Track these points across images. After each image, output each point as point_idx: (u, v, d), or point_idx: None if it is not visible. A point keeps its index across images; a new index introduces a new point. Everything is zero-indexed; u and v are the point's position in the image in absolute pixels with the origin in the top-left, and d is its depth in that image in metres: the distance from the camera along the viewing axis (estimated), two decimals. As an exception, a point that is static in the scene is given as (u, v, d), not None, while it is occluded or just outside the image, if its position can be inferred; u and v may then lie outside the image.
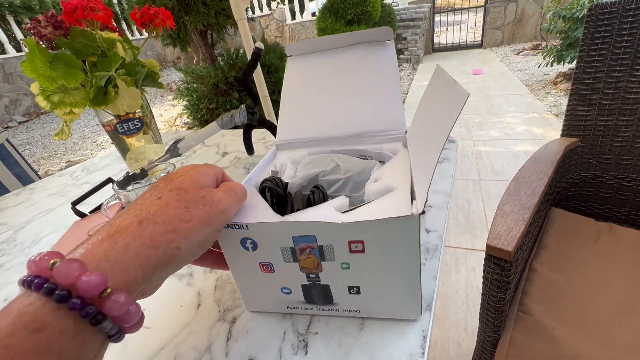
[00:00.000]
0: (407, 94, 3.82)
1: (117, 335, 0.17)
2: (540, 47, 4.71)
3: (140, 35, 6.86)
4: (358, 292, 0.27)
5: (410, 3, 6.06)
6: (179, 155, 0.59)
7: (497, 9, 5.29)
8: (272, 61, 1.79)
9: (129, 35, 6.40)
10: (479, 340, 0.61)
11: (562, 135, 0.85)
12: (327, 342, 0.26)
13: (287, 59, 0.43)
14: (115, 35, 0.50)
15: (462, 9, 5.72)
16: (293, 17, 6.85)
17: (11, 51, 5.27)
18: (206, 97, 1.74)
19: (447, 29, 5.93)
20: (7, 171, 1.10)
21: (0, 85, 5.15)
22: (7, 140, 1.12)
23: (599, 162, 0.82)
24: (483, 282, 0.55)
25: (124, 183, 0.49)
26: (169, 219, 0.20)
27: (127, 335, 0.27)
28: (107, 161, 0.85)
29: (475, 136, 2.50)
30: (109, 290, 0.16)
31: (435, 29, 5.83)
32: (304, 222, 0.23)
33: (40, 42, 0.44)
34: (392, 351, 0.25)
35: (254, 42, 1.91)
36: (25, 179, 1.12)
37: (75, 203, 0.51)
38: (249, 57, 1.29)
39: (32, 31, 0.44)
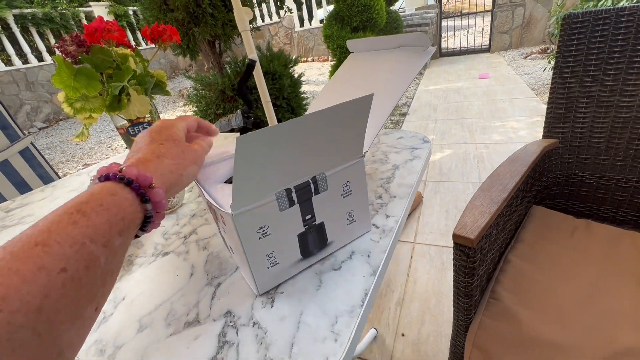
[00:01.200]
0: (412, 98, 3.86)
1: (148, 224, 0.26)
2: (548, 51, 4.69)
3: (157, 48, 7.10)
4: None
5: (417, 9, 6.12)
6: (182, 154, 0.66)
7: (504, 13, 5.29)
8: (277, 69, 1.88)
9: (143, 44, 6.66)
10: (454, 325, 0.66)
11: (543, 136, 0.89)
12: (289, 299, 0.32)
13: (350, 55, 0.52)
14: (128, 51, 0.58)
15: (469, 13, 5.75)
16: (302, 24, 6.99)
17: (33, 61, 5.55)
18: (214, 103, 1.83)
19: (454, 33, 5.96)
20: (32, 172, 1.20)
21: (22, 93, 5.43)
22: (31, 143, 1.23)
23: (579, 162, 0.86)
24: (453, 269, 0.60)
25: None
26: (175, 157, 0.30)
27: (134, 293, 0.34)
28: (120, 161, 0.94)
29: (478, 140, 2.52)
30: (153, 185, 0.26)
31: (443, 34, 5.87)
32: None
33: (67, 58, 0.52)
34: (338, 304, 0.31)
35: (259, 49, 2.01)
36: (47, 180, 1.22)
37: (92, 195, 0.59)
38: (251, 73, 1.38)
39: (59, 49, 0.53)
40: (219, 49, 1.87)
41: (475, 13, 5.66)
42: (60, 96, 0.52)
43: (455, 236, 0.55)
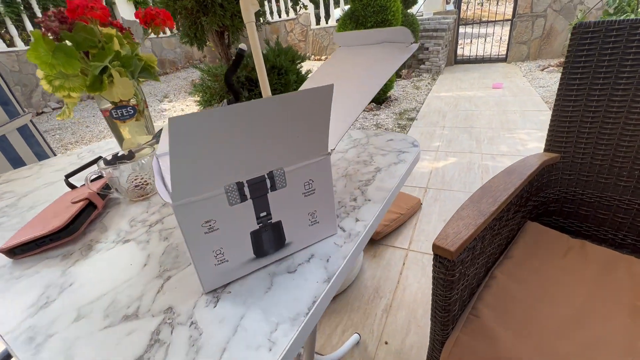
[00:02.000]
0: (422, 104, 3.81)
1: None
2: (566, 65, 4.57)
3: (155, 34, 7.17)
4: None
5: (435, 13, 6.04)
6: (165, 141, 0.65)
7: (524, 23, 5.19)
8: (283, 64, 1.86)
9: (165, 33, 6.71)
10: (430, 339, 0.63)
11: (545, 150, 0.85)
12: (235, 300, 0.30)
13: (337, 49, 0.50)
14: (113, 31, 0.57)
15: (488, 21, 5.65)
16: (318, 22, 6.97)
17: (52, 42, 5.63)
18: (218, 93, 1.83)
19: (471, 41, 5.87)
20: (28, 149, 1.21)
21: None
22: (30, 121, 1.23)
23: (579, 180, 0.82)
24: (432, 281, 0.57)
25: (112, 162, 0.55)
26: None
27: (83, 280, 0.32)
28: (111, 145, 0.93)
29: (485, 150, 2.47)
30: None
31: (460, 41, 5.78)
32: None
33: (48, 34, 0.51)
34: (283, 311, 0.29)
35: (267, 44, 1.99)
36: (43, 158, 1.22)
37: (68, 176, 0.58)
38: (254, 60, 1.36)
39: (41, 24, 0.52)
40: (227, 41, 1.87)
41: (495, 21, 5.56)
42: (40, 72, 0.51)
43: (435, 246, 0.52)
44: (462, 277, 0.56)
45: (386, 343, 1.13)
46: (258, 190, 0.30)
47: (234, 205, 0.29)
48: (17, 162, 1.17)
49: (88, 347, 0.28)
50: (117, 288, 0.34)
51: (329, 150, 0.33)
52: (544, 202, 0.86)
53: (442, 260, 0.53)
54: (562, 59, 4.89)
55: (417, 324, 1.19)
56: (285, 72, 1.88)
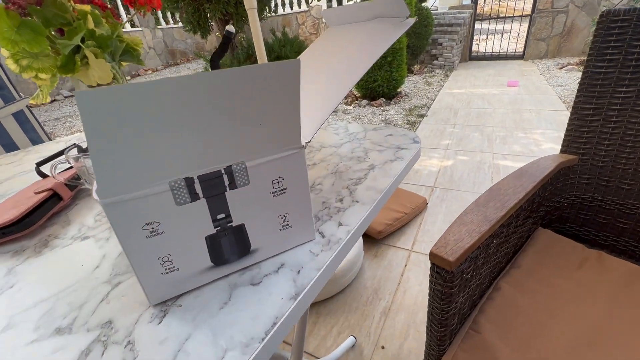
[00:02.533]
0: (433, 100, 3.70)
1: None
2: (586, 63, 4.38)
3: (141, 14, 7.17)
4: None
5: (450, 7, 5.86)
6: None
7: (544, 19, 4.99)
8: (289, 54, 1.80)
9: (163, 22, 6.69)
10: (425, 353, 0.58)
11: (561, 151, 0.78)
12: (184, 315, 0.26)
13: (326, 30, 0.44)
14: (88, 8, 0.52)
15: (505, 17, 5.46)
16: (329, 15, 6.85)
17: (65, 30, 5.69)
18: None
19: (487, 37, 5.68)
20: (23, 135, 1.18)
21: (52, 60, 5.58)
22: (27, 107, 1.21)
23: (599, 185, 0.75)
24: (429, 292, 0.52)
25: (86, 150, 0.51)
26: None
27: (25, 281, 0.28)
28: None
29: (496, 150, 2.37)
30: None
31: (475, 37, 5.61)
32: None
33: (12, 8, 0.47)
34: (236, 333, 0.24)
35: (273, 34, 1.93)
36: (37, 144, 1.20)
37: (39, 164, 0.54)
38: (255, 48, 1.31)
39: (8, -2, 0.47)
40: (231, 29, 1.81)
41: (512, 17, 5.36)
42: (4, 51, 0.47)
43: (432, 255, 0.47)
44: (462, 289, 0.51)
45: (383, 347, 1.09)
46: (213, 188, 0.25)
47: (182, 205, 0.25)
48: (11, 147, 1.15)
49: (4, 367, 0.23)
50: (59, 294, 0.30)
51: (303, 143, 0.28)
52: (557, 207, 0.79)
53: (439, 270, 0.47)
54: (583, 58, 4.70)
55: (416, 329, 1.13)
56: (290, 63, 1.82)
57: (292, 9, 7.13)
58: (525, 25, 5.21)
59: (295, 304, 0.26)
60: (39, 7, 0.48)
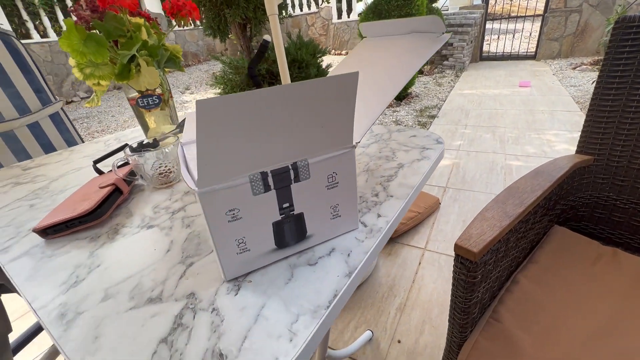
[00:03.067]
0: (444, 101, 3.71)
1: None
2: (600, 63, 4.33)
3: (179, 25, 7.29)
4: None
5: (461, 8, 5.85)
6: (188, 131, 0.66)
7: (557, 18, 4.94)
8: (304, 57, 1.85)
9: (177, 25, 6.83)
10: (447, 341, 0.62)
11: (577, 151, 0.81)
12: (256, 289, 0.31)
13: (362, 40, 0.49)
14: (141, 21, 0.58)
15: (517, 17, 5.42)
16: (339, 16, 6.90)
17: (82, 33, 5.85)
18: (239, 86, 1.84)
19: (498, 37, 5.65)
20: (59, 135, 1.26)
21: (68, 65, 5.75)
22: (61, 109, 1.28)
23: (614, 184, 0.78)
24: (452, 282, 0.56)
25: (138, 149, 0.57)
26: None
27: (109, 262, 0.33)
28: (136, 134, 0.96)
29: (509, 151, 2.38)
30: None
31: (486, 37, 5.59)
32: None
33: (80, 23, 0.53)
34: (304, 303, 0.28)
35: (289, 37, 1.99)
36: (72, 144, 1.27)
37: (96, 162, 0.60)
38: (276, 52, 1.36)
39: (74, 13, 0.53)
40: (249, 33, 1.87)
41: (525, 17, 5.33)
42: (72, 60, 0.53)
43: (457, 247, 0.51)
44: (483, 280, 0.55)
45: (399, 342, 1.12)
46: (282, 181, 0.30)
47: (257, 195, 0.29)
48: (48, 147, 1.22)
49: (115, 326, 0.28)
50: (141, 272, 0.35)
51: (354, 143, 0.33)
52: (573, 206, 0.82)
53: (463, 261, 0.51)
54: (597, 57, 4.65)
55: (431, 325, 1.17)
56: (305, 65, 1.87)
57: (301, 10, 7.20)
58: (537, 25, 5.17)
59: (350, 281, 0.30)
60: (101, 21, 0.53)
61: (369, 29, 0.45)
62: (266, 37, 0.61)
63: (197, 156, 0.25)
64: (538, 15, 5.17)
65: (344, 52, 6.92)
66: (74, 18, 0.53)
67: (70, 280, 0.35)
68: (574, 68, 4.42)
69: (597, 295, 0.61)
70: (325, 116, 0.29)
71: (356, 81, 0.28)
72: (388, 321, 1.20)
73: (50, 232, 0.43)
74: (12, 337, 1.06)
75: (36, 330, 1.20)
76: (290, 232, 0.33)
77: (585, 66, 4.36)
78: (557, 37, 5.01)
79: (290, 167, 0.30)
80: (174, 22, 0.70)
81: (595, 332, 0.54)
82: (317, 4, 6.99)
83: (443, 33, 0.36)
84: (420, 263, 1.45)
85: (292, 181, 0.31)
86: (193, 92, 5.58)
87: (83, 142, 1.33)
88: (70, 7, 0.51)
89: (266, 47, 0.62)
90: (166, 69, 0.68)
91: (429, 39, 0.36)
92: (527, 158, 2.25)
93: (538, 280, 0.65)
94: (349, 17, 6.75)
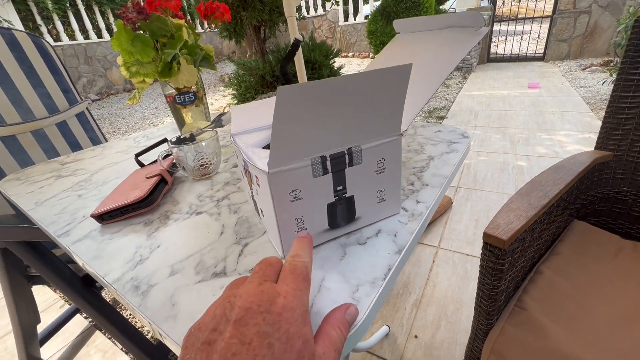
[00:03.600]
0: (452, 102, 3.72)
1: None
2: (611, 64, 4.32)
3: (202, 28, 7.38)
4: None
5: (468, 9, 5.86)
6: (222, 126, 0.69)
7: (565, 20, 4.93)
8: (317, 58, 1.89)
9: (198, 27, 6.94)
10: (473, 328, 0.64)
11: (596, 147, 0.83)
12: (313, 265, 0.33)
13: (395, 36, 0.51)
14: (182, 22, 0.61)
15: (525, 18, 5.42)
16: (346, 19, 6.94)
17: (93, 37, 5.97)
18: (253, 87, 1.88)
19: (506, 38, 5.65)
20: (84, 134, 1.30)
21: (81, 66, 5.86)
22: (86, 108, 1.33)
23: (634, 180, 0.79)
24: (479, 270, 0.58)
25: (177, 142, 0.60)
26: None
27: (168, 243, 0.36)
28: (163, 132, 0.99)
29: (519, 151, 2.39)
30: None
31: (494, 38, 5.59)
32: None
33: (127, 24, 0.56)
34: (360, 275, 0.31)
35: (303, 40, 2.02)
36: (96, 142, 1.32)
37: (138, 155, 0.63)
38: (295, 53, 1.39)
39: (122, 15, 0.56)
40: (263, 35, 1.91)
41: (532, 18, 5.32)
42: (119, 59, 0.56)
43: (485, 235, 0.53)
44: (510, 268, 0.57)
45: (416, 337, 1.14)
46: (338, 165, 0.33)
47: (316, 178, 0.32)
48: (74, 145, 1.26)
49: (188, 296, 0.31)
50: (201, 251, 0.38)
51: (401, 132, 0.35)
52: (592, 201, 0.83)
53: (492, 249, 0.53)
54: (607, 58, 4.62)
55: (447, 320, 1.18)
56: (319, 66, 1.90)
57: (308, 13, 7.26)
58: (545, 26, 5.16)
59: (400, 257, 0.33)
60: (147, 22, 0.57)
61: (403, 25, 0.48)
62: (298, 36, 0.63)
63: (271, 139, 0.27)
64: (546, 17, 5.16)
65: (350, 54, 6.96)
66: (122, 19, 0.56)
67: (135, 258, 0.38)
68: (584, 69, 4.40)
69: (621, 285, 0.62)
70: (378, 105, 0.31)
71: (409, 73, 0.30)
72: (404, 317, 1.22)
73: (107, 217, 0.46)
74: (39, 329, 1.10)
75: (61, 322, 1.24)
76: (342, 213, 0.35)
77: (595, 67, 4.34)
78: (566, 38, 4.99)
79: (345, 152, 0.32)
80: (206, 24, 0.74)
81: (622, 319, 0.56)
82: (324, 7, 7.04)
83: (482, 27, 0.38)
84: (434, 261, 1.47)
85: (347, 165, 0.33)
86: (202, 94, 5.63)
87: (106, 140, 1.37)
88: (119, 10, 0.55)
89: (297, 47, 0.65)
90: (200, 67, 0.72)
91: (467, 33, 0.38)
92: (538, 158, 2.25)
93: (561, 271, 0.66)
94: (355, 19, 6.79)
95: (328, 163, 0.32)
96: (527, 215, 0.56)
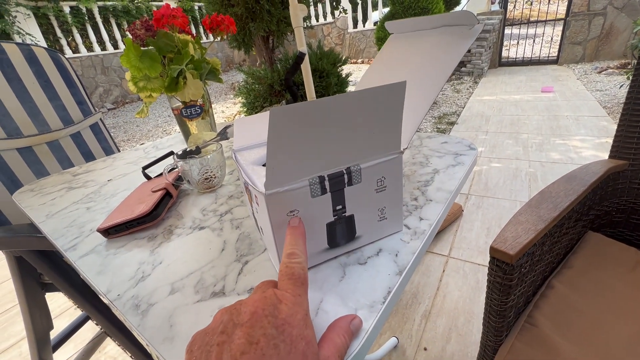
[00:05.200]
0: (463, 107, 3.68)
1: None
2: (628, 66, 4.20)
3: (213, 37, 7.54)
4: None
5: (479, 14, 5.82)
6: (227, 139, 0.70)
7: (579, 22, 4.84)
8: (325, 67, 1.90)
9: (204, 37, 7.10)
10: (481, 345, 0.62)
11: (610, 156, 0.80)
12: (312, 285, 0.33)
13: (389, 38, 0.51)
14: (189, 38, 0.62)
15: (537, 21, 5.33)
16: (355, 25, 6.98)
17: (110, 48, 6.17)
18: (262, 96, 1.90)
19: (517, 42, 5.57)
20: (97, 144, 1.34)
21: (98, 76, 6.06)
22: (100, 120, 1.36)
23: (651, 190, 0.76)
24: (487, 285, 0.56)
25: (182, 156, 0.61)
26: None
27: (170, 259, 0.36)
28: (172, 142, 1.01)
29: (533, 157, 2.34)
30: None
31: (505, 42, 5.52)
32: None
33: (135, 41, 0.57)
34: (360, 298, 0.30)
35: (310, 47, 2.04)
36: (109, 152, 1.35)
37: (144, 168, 0.64)
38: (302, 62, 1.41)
39: (130, 32, 0.58)
40: (271, 45, 1.94)
41: (545, 21, 5.24)
42: (128, 75, 0.58)
43: (492, 249, 0.52)
44: (519, 283, 0.55)
45: (425, 349, 1.12)
46: (336, 185, 0.32)
47: (315, 197, 0.32)
48: (88, 156, 1.30)
49: (186, 317, 0.31)
50: (202, 268, 0.38)
51: (402, 149, 0.35)
52: (607, 211, 0.80)
53: (499, 263, 0.52)
54: (624, 61, 4.50)
55: (458, 332, 1.15)
56: (326, 75, 1.91)
57: (317, 21, 7.33)
58: (558, 29, 5.07)
59: (401, 278, 0.32)
60: (154, 39, 0.58)
61: (395, 26, 0.47)
62: (302, 49, 0.64)
63: (267, 160, 0.27)
64: (559, 20, 5.08)
65: (359, 60, 6.98)
66: (130, 36, 0.58)
67: (137, 275, 0.38)
68: (600, 72, 4.29)
69: (637, 302, 0.60)
70: (374, 123, 0.31)
71: (404, 90, 0.30)
72: (413, 328, 1.20)
73: (112, 232, 0.47)
74: (52, 334, 1.12)
75: (74, 329, 1.27)
76: (342, 232, 0.35)
77: (611, 70, 4.23)
78: (580, 40, 4.89)
79: (344, 172, 0.32)
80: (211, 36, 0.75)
81: (638, 338, 0.53)
82: (333, 14, 7.10)
83: (475, 24, 0.37)
84: (444, 270, 1.44)
85: (346, 185, 0.33)
86: (213, 102, 5.74)
87: (119, 150, 1.41)
88: (128, 27, 0.56)
89: (302, 59, 0.65)
90: (207, 81, 0.73)
91: (461, 32, 0.37)
92: (552, 165, 2.20)
93: (574, 285, 0.64)
94: (364, 26, 6.82)
95: (326, 183, 0.32)
96: (536, 228, 0.54)
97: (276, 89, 1.88)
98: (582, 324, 0.56)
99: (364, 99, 0.29)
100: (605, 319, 0.57)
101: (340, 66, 2.07)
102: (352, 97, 0.29)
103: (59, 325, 1.27)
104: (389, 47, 0.51)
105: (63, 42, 5.75)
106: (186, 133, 0.73)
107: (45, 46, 1.20)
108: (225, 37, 0.76)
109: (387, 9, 3.99)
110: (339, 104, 0.28)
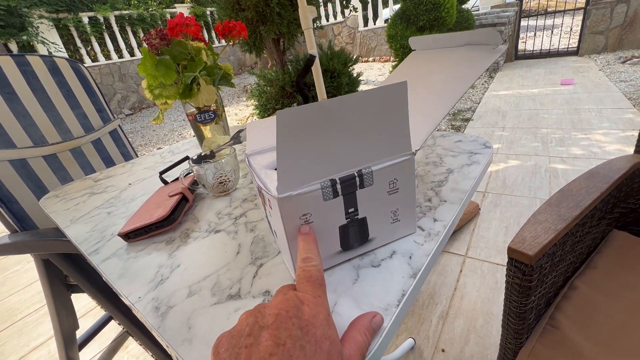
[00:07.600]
0: (478, 103, 3.60)
1: None
2: (654, 55, 4.00)
3: (225, 41, 7.66)
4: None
5: (492, 7, 5.68)
6: (240, 142, 0.71)
7: (601, 11, 4.64)
8: (336, 67, 1.89)
9: (216, 42, 7.22)
10: (501, 347, 0.61)
11: (636, 151, 0.77)
12: (326, 288, 0.33)
13: (411, 54, 0.51)
14: (201, 45, 0.64)
15: (555, 11, 5.15)
16: (365, 24, 6.94)
17: (126, 55, 6.36)
18: (274, 98, 1.92)
19: (535, 34, 5.40)
20: (117, 150, 1.38)
21: (116, 83, 6.25)
22: (119, 126, 1.41)
23: (681, 185, 0.72)
24: (505, 287, 0.55)
25: (197, 160, 0.62)
26: None
27: (187, 262, 0.38)
28: (187, 146, 1.04)
29: (553, 152, 2.26)
30: None
31: (521, 34, 5.36)
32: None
33: (151, 50, 0.59)
34: (374, 301, 0.30)
35: (320, 48, 2.04)
36: (127, 157, 1.39)
37: (161, 173, 0.66)
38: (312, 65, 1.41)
39: (146, 41, 0.60)
40: (282, 47, 1.95)
41: (564, 11, 5.05)
42: (144, 83, 0.59)
43: (510, 250, 0.50)
44: (539, 284, 0.53)
45: (443, 351, 1.10)
46: (348, 188, 0.32)
47: (327, 201, 0.32)
48: (108, 161, 1.34)
49: (203, 319, 0.32)
50: (218, 271, 0.39)
51: (414, 151, 0.34)
52: (633, 209, 0.77)
53: (518, 265, 0.50)
54: (649, 49, 4.29)
55: (476, 334, 1.13)
56: (337, 75, 1.91)
57: (327, 20, 7.33)
58: (577, 19, 4.89)
59: (415, 281, 0.32)
60: (168, 47, 0.59)
61: (419, 42, 0.47)
62: (312, 51, 0.64)
63: (277, 164, 0.28)
64: (579, 9, 4.89)
65: (370, 59, 6.93)
66: (146, 46, 0.59)
67: (156, 278, 0.40)
68: (624, 62, 4.11)
69: (668, 305, 0.57)
70: (381, 124, 0.31)
71: (405, 90, 0.30)
72: (430, 329, 1.18)
73: (132, 236, 0.49)
74: (78, 334, 1.17)
75: (98, 328, 1.31)
76: (355, 235, 0.35)
77: (636, 59, 4.05)
78: (602, 30, 4.69)
79: (355, 175, 0.32)
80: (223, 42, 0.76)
81: (669, 344, 0.51)
82: (343, 13, 7.08)
83: (499, 44, 0.37)
84: (461, 270, 1.41)
85: (358, 187, 0.33)
86: (226, 105, 5.83)
87: (137, 155, 1.45)
88: (144, 36, 0.58)
89: (312, 62, 0.65)
90: (220, 87, 0.74)
91: (485, 51, 0.37)
92: (574, 160, 2.12)
93: (598, 286, 0.62)
94: (375, 24, 6.77)
95: (338, 186, 0.32)
96: (556, 228, 0.53)
97: (288, 90, 1.90)
98: (606, 326, 0.54)
99: (366, 99, 0.29)
100: (632, 321, 0.55)
101: (351, 66, 2.06)
102: (354, 98, 0.29)
103: (84, 325, 1.32)
104: (409, 61, 0.51)
105: (83, 51, 5.96)
106: (200, 138, 0.75)
107: (67, 56, 1.25)
108: (237, 41, 0.77)
109: (397, 6, 3.95)
110: (341, 104, 0.29)
